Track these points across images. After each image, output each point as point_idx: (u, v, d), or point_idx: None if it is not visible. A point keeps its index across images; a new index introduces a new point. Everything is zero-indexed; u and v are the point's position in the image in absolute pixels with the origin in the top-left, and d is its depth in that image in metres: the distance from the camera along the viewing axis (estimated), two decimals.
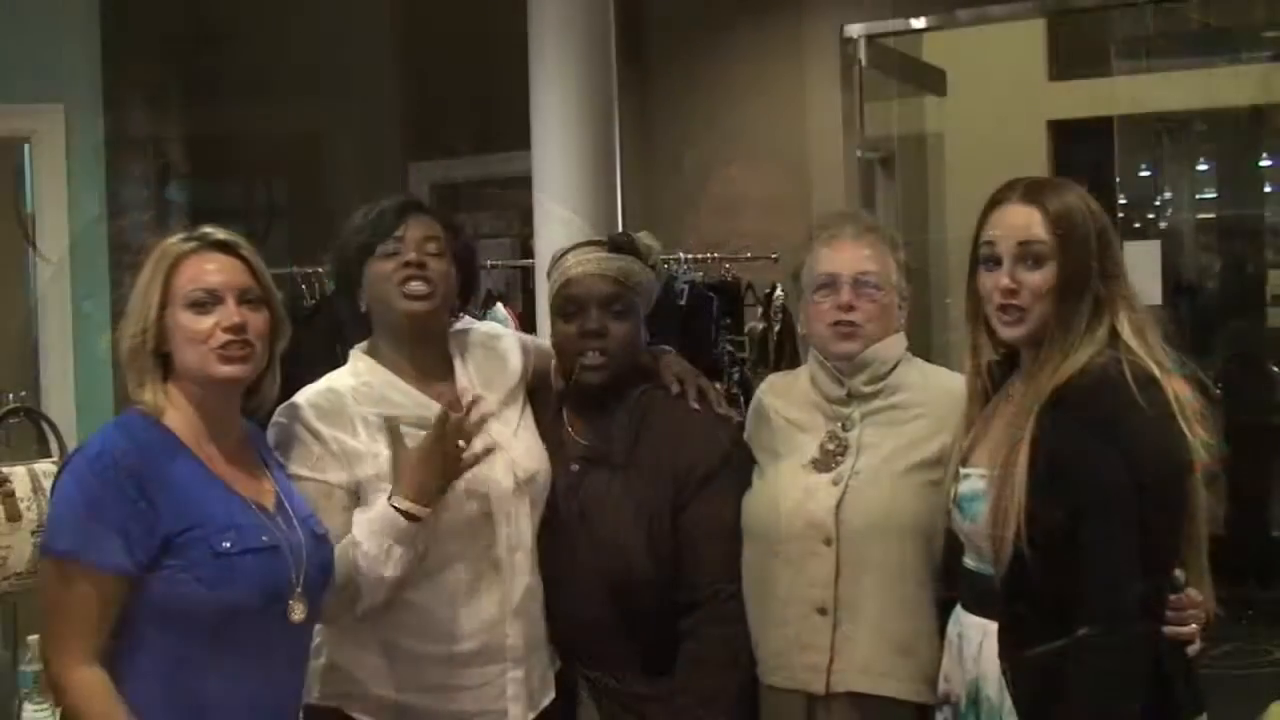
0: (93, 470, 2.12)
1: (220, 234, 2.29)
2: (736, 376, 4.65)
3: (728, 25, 5.75)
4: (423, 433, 2.40)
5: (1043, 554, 2.14)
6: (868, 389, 2.64)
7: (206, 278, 2.22)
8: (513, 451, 2.56)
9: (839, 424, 2.65)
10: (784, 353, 4.85)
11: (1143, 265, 6.45)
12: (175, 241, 2.27)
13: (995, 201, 2.34)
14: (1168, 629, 2.19)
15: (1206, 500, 2.21)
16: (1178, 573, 2.22)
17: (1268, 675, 5.59)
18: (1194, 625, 2.24)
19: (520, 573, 2.54)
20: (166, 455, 2.17)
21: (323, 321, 3.74)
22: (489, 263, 5.38)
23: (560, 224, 4.10)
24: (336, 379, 2.57)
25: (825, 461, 2.62)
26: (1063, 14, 6.96)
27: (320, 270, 4.29)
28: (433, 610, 2.48)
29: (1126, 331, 2.21)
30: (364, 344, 2.62)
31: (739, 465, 2.68)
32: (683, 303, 4.57)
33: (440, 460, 2.36)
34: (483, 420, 2.44)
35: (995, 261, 2.29)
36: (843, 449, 2.62)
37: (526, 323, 5.10)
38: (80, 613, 2.08)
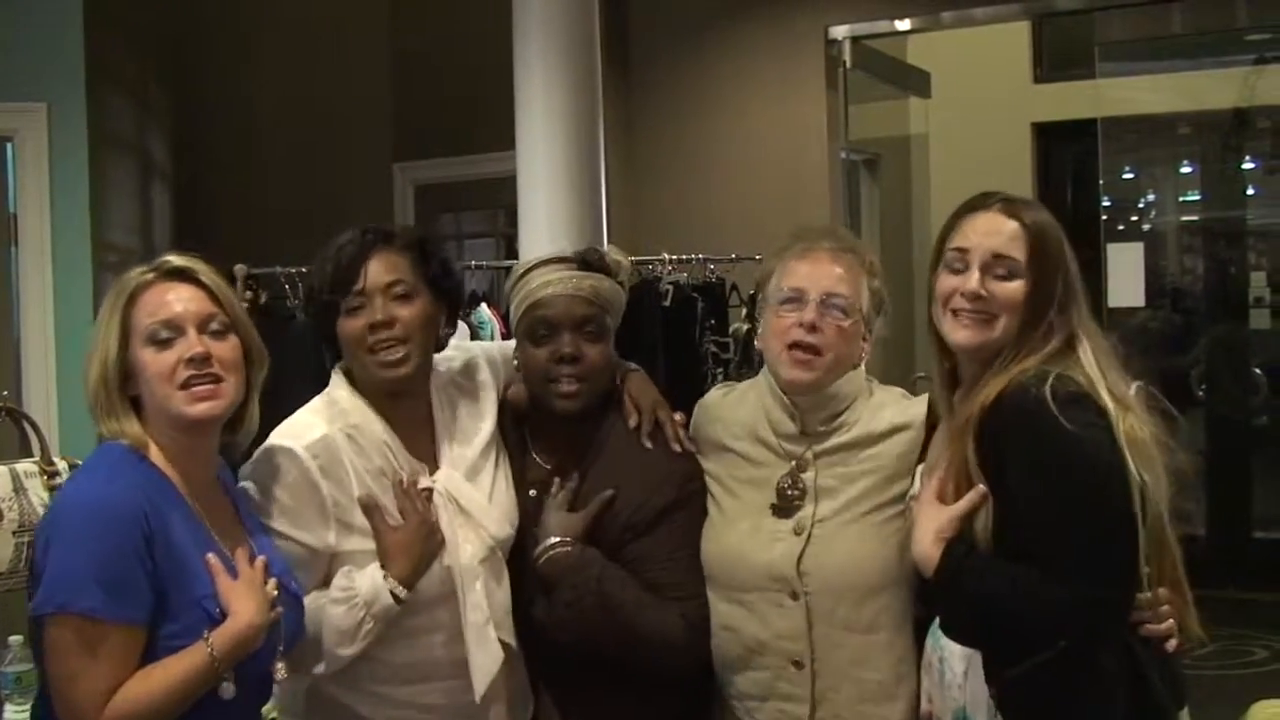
0: (99, 523, 1.96)
1: (178, 261, 2.14)
2: (720, 377, 4.65)
3: (712, 25, 5.76)
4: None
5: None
6: (821, 427, 2.49)
7: (163, 309, 2.08)
8: (485, 519, 2.44)
9: (794, 463, 2.49)
10: None
11: (1126, 267, 6.49)
12: (133, 274, 2.14)
13: (969, 209, 2.31)
14: (1145, 629, 2.19)
15: (1165, 505, 2.18)
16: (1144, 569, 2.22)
17: (1250, 675, 5.62)
18: (1169, 622, 2.22)
19: (488, 647, 2.38)
20: (165, 503, 2.04)
21: (307, 324, 3.73)
22: (473, 263, 5.37)
23: (544, 224, 4.11)
24: (321, 415, 2.40)
25: (784, 507, 2.47)
26: (1047, 16, 7.00)
27: (305, 270, 4.27)
28: (411, 667, 2.39)
29: (1085, 355, 2.19)
30: (344, 364, 2.47)
31: (689, 503, 2.53)
32: (667, 304, 4.57)
33: (427, 537, 2.33)
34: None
35: (963, 266, 2.26)
36: (801, 494, 2.47)
37: (510, 324, 5.10)
38: (110, 669, 1.94)
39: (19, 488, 2.92)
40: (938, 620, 2.33)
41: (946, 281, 2.28)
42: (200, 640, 1.99)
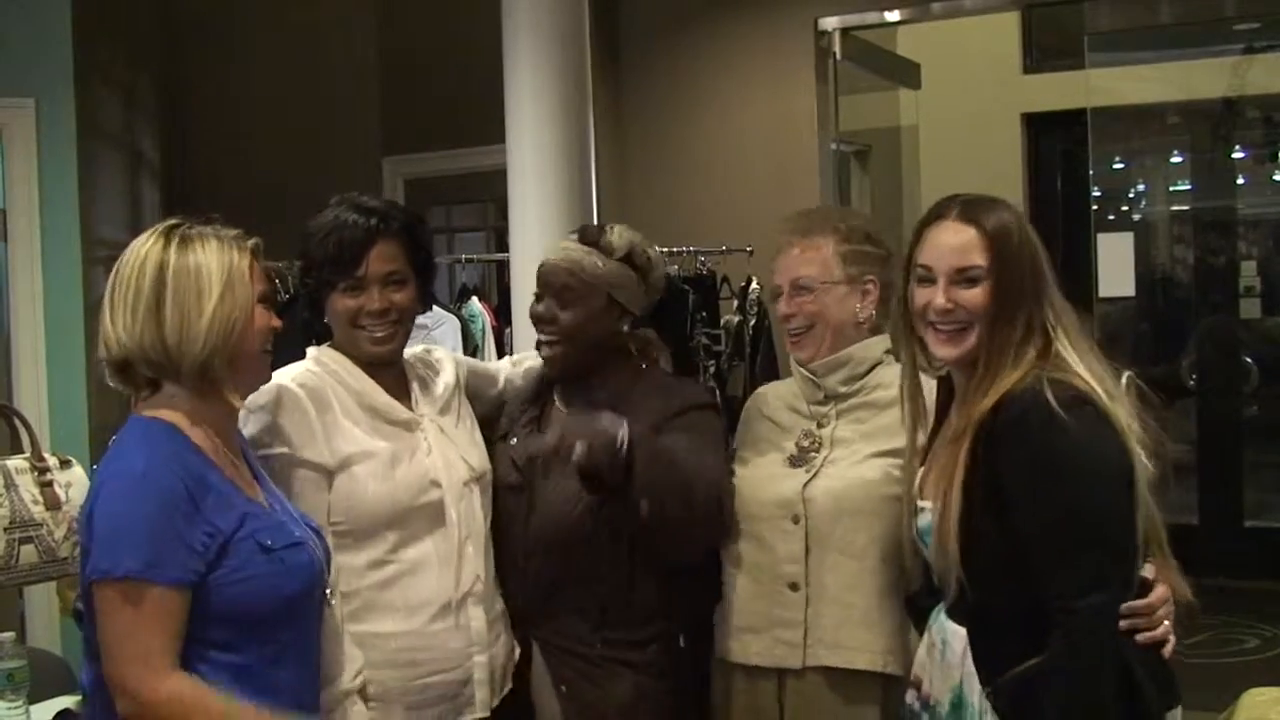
0: (145, 488, 2.04)
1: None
2: (712, 369, 4.66)
3: (702, 17, 5.76)
4: (393, 426, 2.56)
5: (985, 582, 2.18)
6: (844, 389, 2.76)
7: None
8: (464, 447, 2.66)
9: (815, 423, 2.77)
10: (759, 345, 4.86)
11: (1116, 257, 6.49)
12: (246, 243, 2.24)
13: (931, 218, 2.36)
14: (1141, 636, 2.21)
15: (1160, 496, 2.22)
16: (1145, 573, 2.23)
17: (1240, 664, 5.64)
18: (1166, 625, 2.25)
19: (471, 561, 2.59)
20: (199, 464, 2.13)
21: (296, 317, 3.74)
22: (463, 257, 5.37)
23: (534, 217, 4.10)
24: (307, 364, 2.61)
25: (800, 457, 2.73)
26: (1036, 6, 7.01)
27: (295, 263, 4.27)
28: (397, 584, 2.53)
29: (1066, 350, 2.22)
30: (329, 344, 2.68)
31: (703, 412, 2.77)
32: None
33: None
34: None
35: (930, 281, 2.32)
36: (817, 445, 2.73)
37: (501, 317, 5.09)
38: (156, 630, 2.02)
39: (10, 484, 2.92)
40: (941, 604, 2.40)
41: (919, 295, 2.35)
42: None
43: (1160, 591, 2.25)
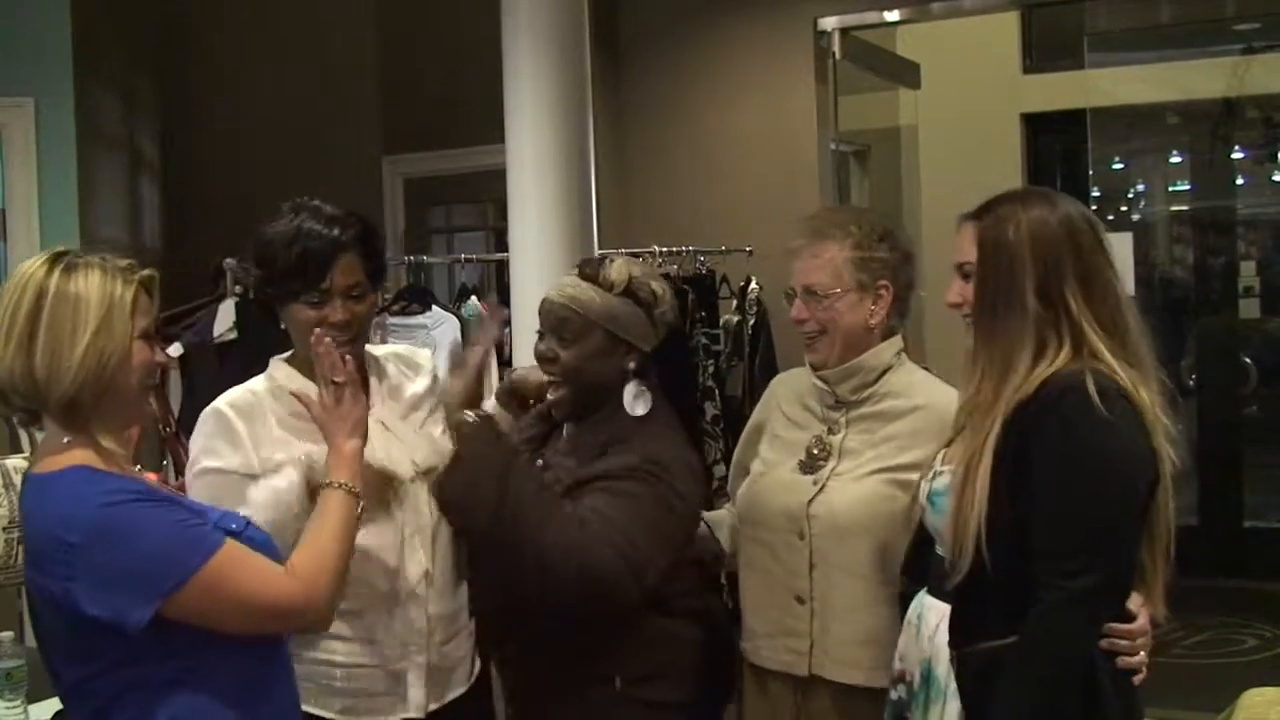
0: (129, 512, 2.00)
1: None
2: (711, 369, 4.65)
3: (701, 17, 5.75)
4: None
5: (997, 558, 2.17)
6: (854, 396, 2.78)
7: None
8: (411, 445, 2.61)
9: (827, 428, 2.80)
10: (758, 345, 4.86)
11: (1115, 257, 6.49)
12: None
13: (962, 217, 2.40)
14: (1120, 660, 2.22)
15: (1170, 502, 2.24)
16: (1131, 605, 2.24)
17: (1241, 664, 5.63)
18: (1142, 655, 2.27)
19: (418, 555, 2.57)
20: (136, 483, 2.10)
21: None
22: (462, 257, 5.37)
23: (534, 217, 4.10)
24: (256, 382, 2.60)
25: (810, 464, 2.77)
26: (1036, 7, 7.00)
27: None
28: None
29: (1099, 346, 2.21)
30: (285, 355, 2.64)
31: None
32: None
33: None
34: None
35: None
36: (826, 453, 2.77)
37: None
38: (250, 565, 2.06)
39: (9, 484, 2.92)
40: (925, 589, 2.48)
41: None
42: (327, 487, 2.24)
43: (1143, 622, 2.26)
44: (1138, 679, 2.27)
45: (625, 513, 2.50)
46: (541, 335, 2.67)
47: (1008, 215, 2.27)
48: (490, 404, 2.78)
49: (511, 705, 2.74)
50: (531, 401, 2.79)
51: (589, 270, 2.68)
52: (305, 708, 2.39)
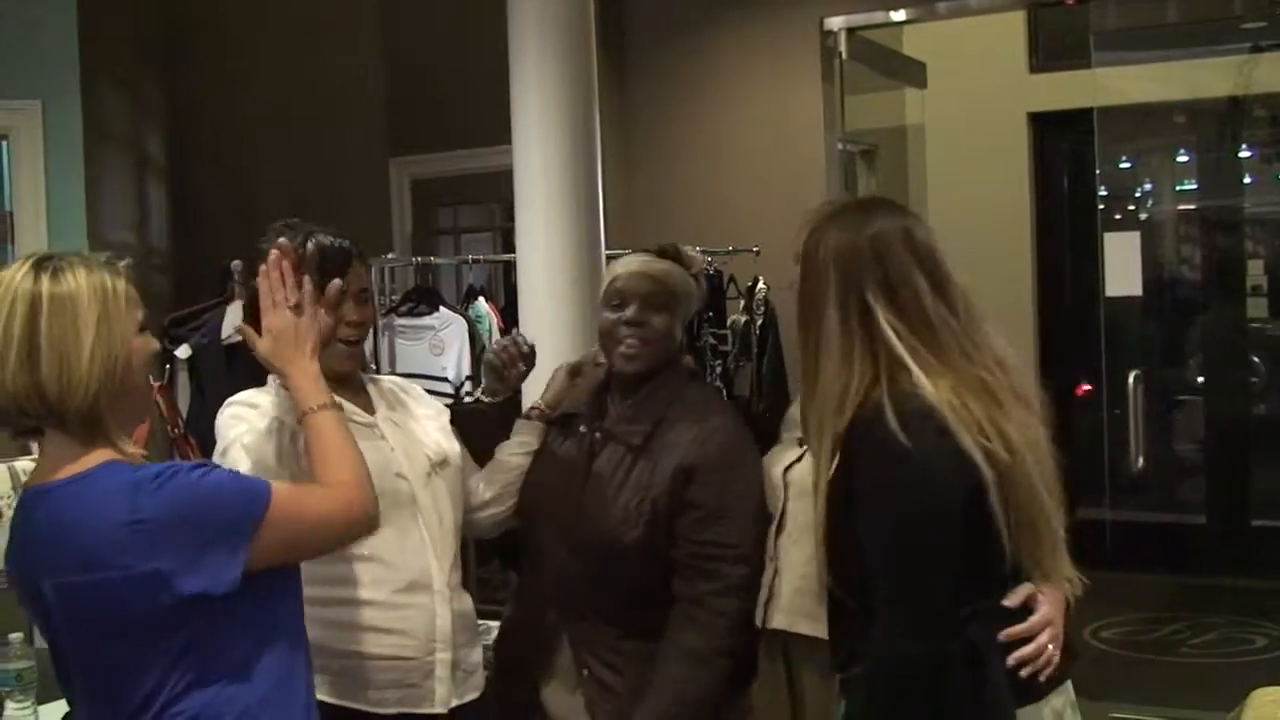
0: (180, 474, 1.97)
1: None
2: (719, 369, 4.66)
3: (708, 17, 5.76)
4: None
5: (843, 585, 2.24)
6: None
7: None
8: (421, 440, 2.75)
9: None
10: (766, 345, 4.87)
11: (1123, 256, 6.49)
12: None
13: None
14: (1025, 671, 2.20)
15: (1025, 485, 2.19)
16: (1015, 599, 2.24)
17: (1249, 663, 5.63)
18: (1049, 649, 2.23)
19: (444, 551, 2.69)
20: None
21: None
22: (470, 258, 5.38)
23: (541, 218, 4.10)
24: (259, 395, 2.64)
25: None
26: (1042, 6, 6.99)
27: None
28: (366, 565, 2.58)
29: (903, 359, 2.18)
30: None
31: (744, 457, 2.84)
32: None
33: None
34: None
35: None
36: None
37: (507, 317, 5.10)
38: (305, 496, 2.11)
39: (17, 485, 2.93)
40: None
41: None
42: (309, 414, 2.22)
43: (1043, 613, 2.24)
44: (1043, 677, 2.23)
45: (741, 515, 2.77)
46: (621, 303, 2.83)
47: (818, 231, 2.30)
48: (561, 377, 3.04)
49: (585, 670, 2.79)
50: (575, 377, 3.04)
51: (670, 251, 2.91)
52: (336, 700, 2.51)
